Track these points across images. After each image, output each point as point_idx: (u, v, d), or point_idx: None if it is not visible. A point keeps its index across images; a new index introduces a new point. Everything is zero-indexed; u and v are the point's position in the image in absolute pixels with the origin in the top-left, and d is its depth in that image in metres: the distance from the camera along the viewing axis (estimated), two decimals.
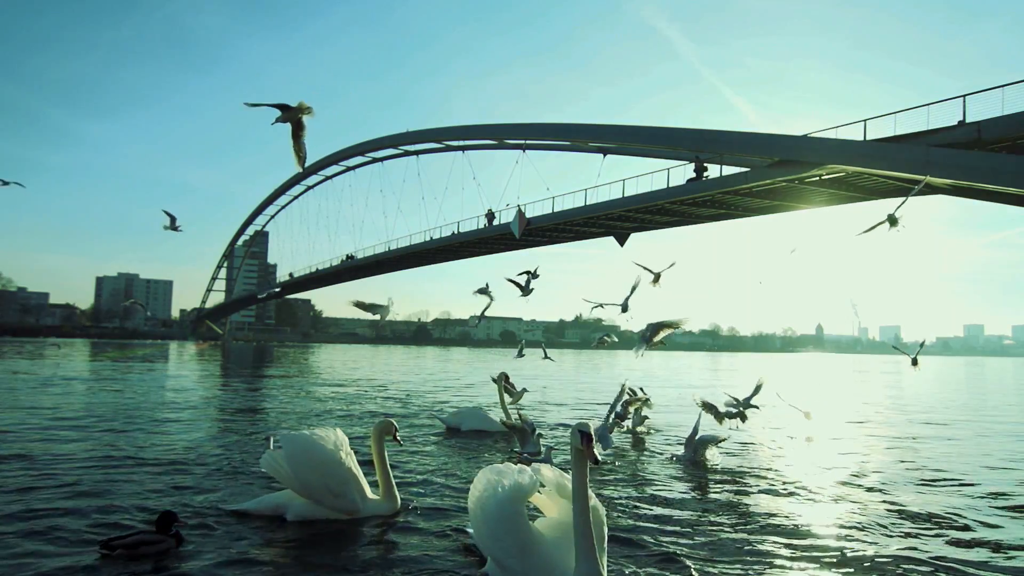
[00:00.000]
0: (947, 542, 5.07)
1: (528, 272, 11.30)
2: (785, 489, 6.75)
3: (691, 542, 4.91)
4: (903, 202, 7.64)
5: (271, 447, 7.15)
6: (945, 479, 7.59)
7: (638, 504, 6.02)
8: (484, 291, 11.61)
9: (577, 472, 3.47)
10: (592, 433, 3.41)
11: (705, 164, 25.25)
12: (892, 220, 7.78)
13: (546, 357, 16.56)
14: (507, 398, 10.39)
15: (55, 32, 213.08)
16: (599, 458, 3.39)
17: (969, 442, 10.81)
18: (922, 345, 11.96)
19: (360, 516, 5.23)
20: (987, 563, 4.61)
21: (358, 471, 5.31)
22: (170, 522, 4.43)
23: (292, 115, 5.97)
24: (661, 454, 8.69)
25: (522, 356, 14.10)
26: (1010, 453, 9.71)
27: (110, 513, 5.17)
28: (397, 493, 5.52)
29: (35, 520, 4.91)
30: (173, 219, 13.72)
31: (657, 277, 9.30)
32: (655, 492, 6.54)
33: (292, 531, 4.95)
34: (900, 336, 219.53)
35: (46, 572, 3.96)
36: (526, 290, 11.27)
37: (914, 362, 11.46)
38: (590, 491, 3.74)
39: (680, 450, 8.17)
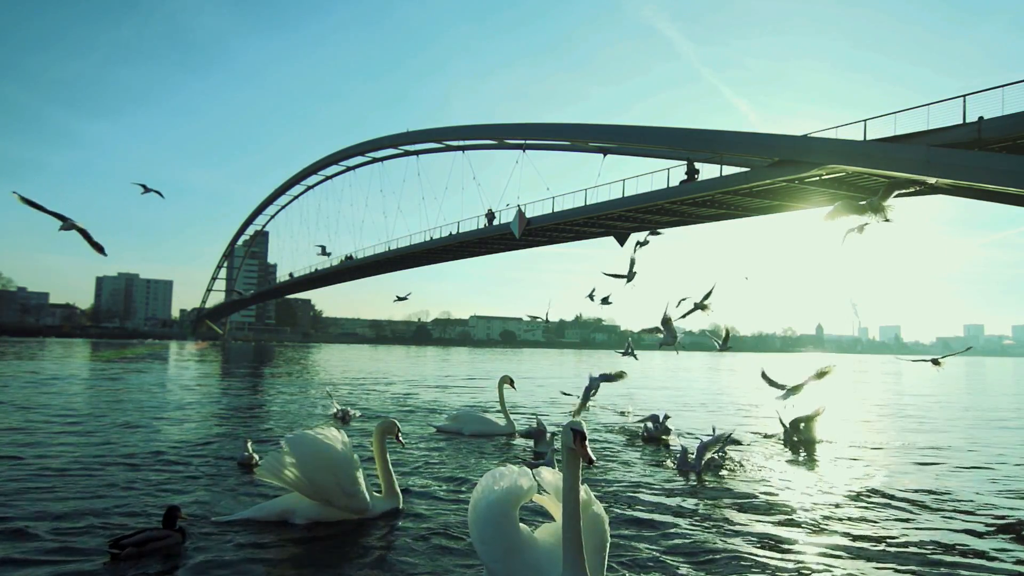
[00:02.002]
0: (952, 531, 5.11)
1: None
2: (786, 488, 6.79)
3: (691, 543, 4.95)
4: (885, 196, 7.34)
5: (248, 450, 7.23)
6: (949, 477, 7.62)
7: (639, 506, 6.06)
8: (605, 301, 11.43)
9: (568, 473, 3.28)
10: (585, 431, 3.22)
11: (696, 166, 25.45)
12: (877, 208, 7.63)
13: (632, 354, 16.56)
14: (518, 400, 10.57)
15: (55, 32, 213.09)
16: (593, 457, 3.20)
17: (973, 439, 10.85)
18: (939, 359, 10.41)
19: (368, 515, 5.25)
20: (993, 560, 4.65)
21: None
22: (175, 517, 4.47)
23: (70, 226, 7.75)
24: (667, 459, 8.72)
25: (632, 355, 12.57)
26: (1010, 448, 9.75)
27: (108, 514, 5.19)
28: (399, 491, 5.58)
29: (36, 521, 4.92)
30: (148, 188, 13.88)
31: (702, 305, 9.68)
32: (656, 493, 6.58)
33: (295, 531, 4.97)
34: (900, 336, 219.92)
35: (58, 572, 3.99)
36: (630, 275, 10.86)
37: (935, 362, 10.39)
38: (593, 496, 3.66)
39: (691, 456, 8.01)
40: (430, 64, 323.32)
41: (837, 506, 6.08)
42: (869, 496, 6.50)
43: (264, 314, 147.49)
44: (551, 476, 3.82)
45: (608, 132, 28.87)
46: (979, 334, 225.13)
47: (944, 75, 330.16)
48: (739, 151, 22.98)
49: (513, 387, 10.65)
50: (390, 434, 5.58)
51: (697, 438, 7.98)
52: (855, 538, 5.07)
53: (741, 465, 7.90)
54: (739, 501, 6.21)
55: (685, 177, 25.83)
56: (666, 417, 10.00)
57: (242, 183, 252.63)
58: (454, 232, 42.32)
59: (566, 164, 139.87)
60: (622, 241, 34.33)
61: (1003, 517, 5.89)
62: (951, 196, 20.26)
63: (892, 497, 6.47)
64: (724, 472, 7.49)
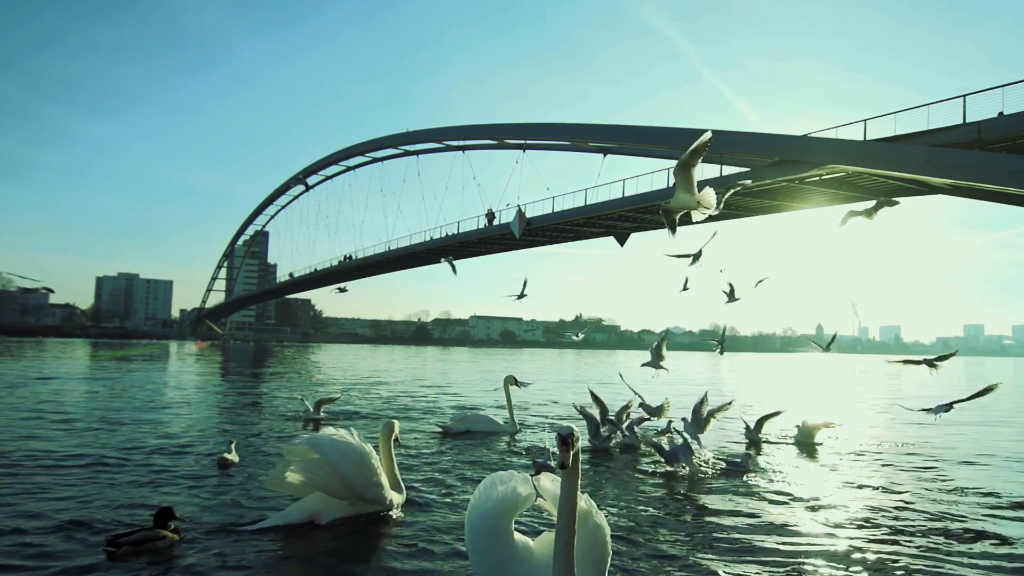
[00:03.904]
0: (947, 539, 5.09)
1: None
2: (787, 489, 6.78)
3: (691, 544, 4.94)
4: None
5: (231, 450, 7.31)
6: (949, 476, 7.61)
7: (638, 507, 6.04)
8: (731, 295, 10.29)
9: (563, 481, 3.07)
10: (570, 436, 2.95)
11: None
12: (870, 214, 7.85)
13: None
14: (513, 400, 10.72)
15: (55, 32, 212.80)
16: (567, 462, 2.95)
17: (975, 438, 10.83)
18: (935, 361, 8.00)
19: (386, 508, 5.42)
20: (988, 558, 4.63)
21: None
22: (168, 518, 4.46)
23: None
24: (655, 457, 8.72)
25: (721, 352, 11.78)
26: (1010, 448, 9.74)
27: (97, 513, 5.18)
28: (403, 484, 5.78)
29: (26, 519, 4.92)
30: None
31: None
32: (656, 494, 6.57)
33: (291, 532, 4.95)
34: (900, 336, 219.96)
35: (53, 570, 3.98)
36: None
37: (930, 364, 8.21)
38: (595, 505, 3.53)
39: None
40: (430, 64, 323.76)
41: (845, 507, 6.07)
42: (873, 497, 6.49)
43: (264, 314, 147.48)
44: (550, 483, 3.65)
45: (608, 132, 28.89)
46: (979, 334, 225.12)
47: (944, 75, 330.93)
48: (739, 151, 22.98)
49: (518, 386, 10.92)
50: (393, 433, 5.76)
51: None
52: (859, 534, 5.06)
53: (751, 468, 7.83)
54: (744, 506, 6.20)
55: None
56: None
57: (242, 183, 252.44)
58: (454, 232, 42.33)
59: (566, 164, 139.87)
60: (622, 241, 34.33)
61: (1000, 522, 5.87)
62: (951, 196, 20.25)
63: (891, 501, 6.46)
64: (728, 475, 7.48)
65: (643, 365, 8.83)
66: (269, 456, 7.92)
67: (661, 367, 8.56)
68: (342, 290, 19.01)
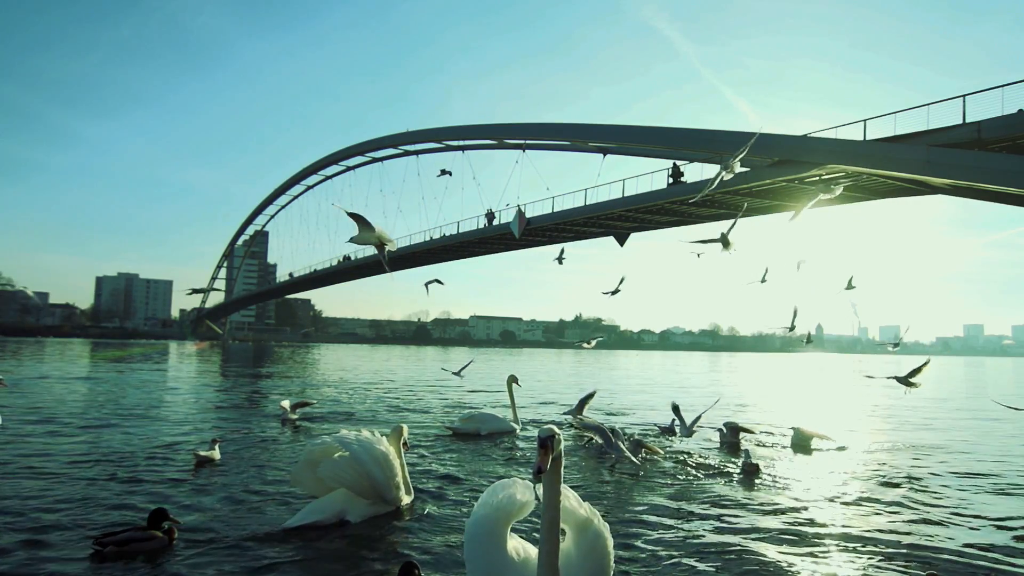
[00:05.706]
0: (945, 534, 5.07)
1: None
2: (789, 488, 6.75)
3: (694, 546, 4.91)
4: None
5: (214, 450, 7.38)
6: (949, 474, 7.59)
7: (640, 509, 6.01)
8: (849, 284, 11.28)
9: (546, 487, 2.96)
10: (550, 440, 2.84)
11: (682, 169, 25.71)
12: (827, 188, 8.52)
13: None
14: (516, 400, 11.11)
15: (55, 32, 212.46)
16: (543, 468, 2.82)
17: (972, 438, 10.82)
18: (912, 380, 7.37)
19: (397, 509, 5.57)
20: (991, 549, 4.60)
21: None
22: (161, 519, 4.43)
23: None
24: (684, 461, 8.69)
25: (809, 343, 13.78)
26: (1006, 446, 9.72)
27: (98, 513, 5.17)
28: (411, 485, 5.94)
29: (23, 518, 4.91)
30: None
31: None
32: (658, 497, 6.54)
33: (286, 534, 4.91)
34: (900, 336, 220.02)
35: (40, 569, 3.96)
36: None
37: (908, 381, 7.42)
38: (597, 513, 3.47)
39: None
40: (430, 64, 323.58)
41: (846, 508, 6.04)
42: (873, 496, 6.46)
43: (264, 314, 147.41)
44: None
45: (608, 132, 28.82)
46: (979, 334, 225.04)
47: (944, 75, 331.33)
48: (739, 151, 22.93)
49: (518, 384, 11.36)
50: (402, 436, 5.87)
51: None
52: (861, 534, 5.04)
53: (753, 470, 7.79)
54: (747, 507, 6.17)
55: (671, 181, 26.09)
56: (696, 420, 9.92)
57: (242, 183, 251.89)
58: (454, 232, 42.28)
59: (566, 164, 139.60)
60: (622, 241, 34.30)
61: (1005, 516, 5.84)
62: (951, 196, 20.21)
63: (892, 498, 6.43)
64: (727, 476, 7.46)
65: (566, 414, 10.03)
66: (254, 455, 7.91)
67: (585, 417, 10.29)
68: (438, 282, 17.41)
